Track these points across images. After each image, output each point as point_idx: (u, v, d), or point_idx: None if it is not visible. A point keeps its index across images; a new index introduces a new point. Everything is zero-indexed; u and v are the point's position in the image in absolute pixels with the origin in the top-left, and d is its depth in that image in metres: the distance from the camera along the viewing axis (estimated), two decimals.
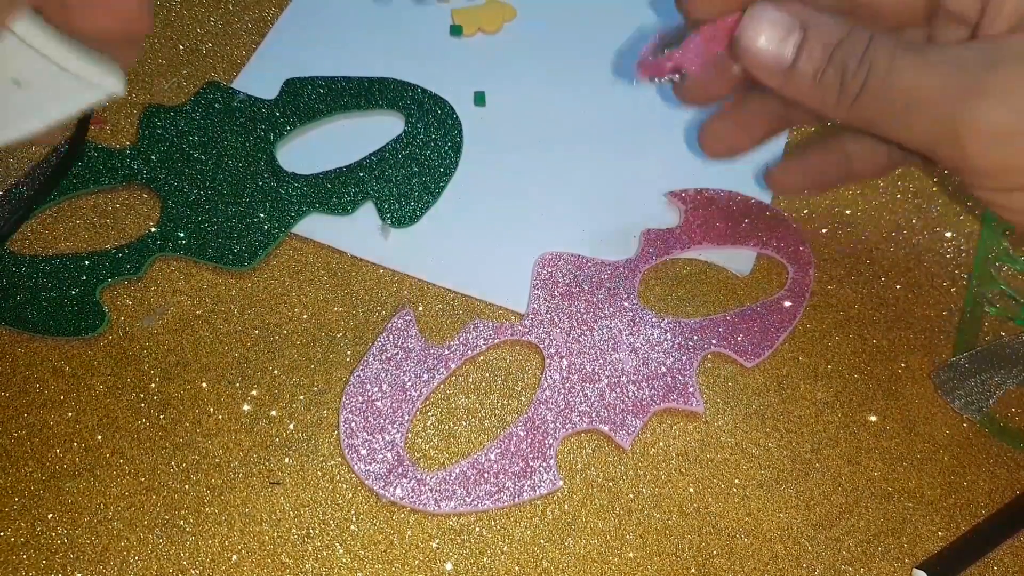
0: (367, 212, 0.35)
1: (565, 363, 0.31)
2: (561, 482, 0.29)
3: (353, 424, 0.30)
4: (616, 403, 0.30)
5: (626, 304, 0.32)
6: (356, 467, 0.29)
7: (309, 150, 0.37)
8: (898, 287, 0.34)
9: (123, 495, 0.29)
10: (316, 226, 0.35)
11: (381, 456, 0.29)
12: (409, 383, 0.31)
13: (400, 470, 0.29)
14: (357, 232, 0.35)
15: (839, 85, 0.22)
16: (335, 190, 0.35)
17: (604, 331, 0.32)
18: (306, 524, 0.29)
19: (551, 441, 0.30)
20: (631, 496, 0.30)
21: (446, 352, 0.32)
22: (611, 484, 0.30)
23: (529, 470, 0.29)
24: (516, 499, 0.29)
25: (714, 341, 0.32)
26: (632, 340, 0.32)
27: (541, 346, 0.32)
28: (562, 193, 0.36)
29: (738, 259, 0.34)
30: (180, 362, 0.32)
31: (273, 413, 0.31)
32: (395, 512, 0.29)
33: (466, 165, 0.37)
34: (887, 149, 0.29)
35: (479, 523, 0.29)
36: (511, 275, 0.34)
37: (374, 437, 0.30)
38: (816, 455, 0.31)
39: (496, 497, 0.29)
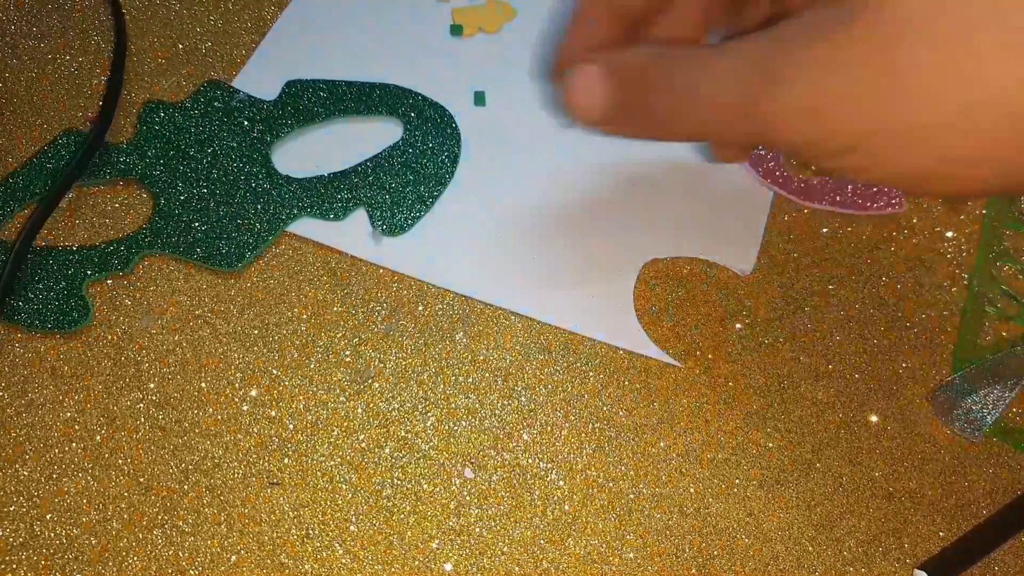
0: (364, 215, 0.35)
1: None
2: None
3: None
4: None
5: None
6: None
7: (305, 153, 0.37)
8: (898, 287, 0.34)
9: (123, 495, 0.29)
10: (315, 226, 0.35)
11: None
12: None
13: None
14: (356, 233, 0.35)
15: (645, 111, 0.24)
16: (328, 195, 0.35)
17: None
18: (306, 524, 0.29)
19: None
20: (631, 496, 0.29)
21: None
22: (611, 484, 0.30)
23: None
24: None
25: None
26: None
27: None
28: (563, 192, 0.36)
29: (740, 257, 0.34)
30: (180, 362, 0.32)
31: (273, 413, 0.31)
32: (395, 512, 0.29)
33: (466, 165, 0.36)
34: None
35: (479, 523, 0.29)
36: (511, 275, 0.34)
37: None
38: (817, 455, 0.30)
39: None
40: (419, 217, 0.35)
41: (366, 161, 0.36)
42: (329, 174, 0.36)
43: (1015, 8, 0.19)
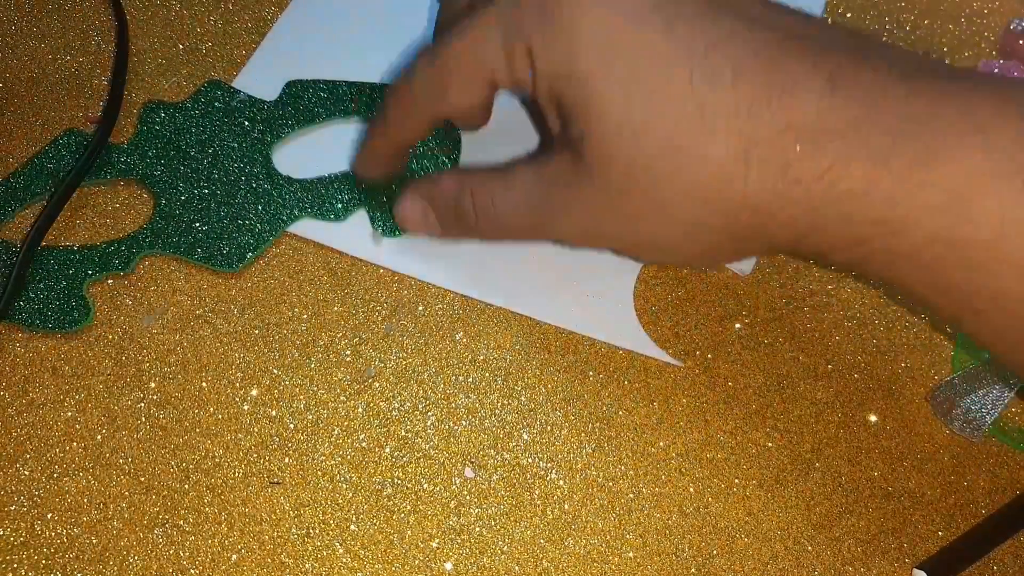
0: (364, 215, 0.35)
1: None
2: None
3: None
4: None
5: None
6: None
7: (305, 153, 0.37)
8: None
9: (123, 495, 0.29)
10: (315, 227, 0.35)
11: None
12: None
13: None
14: (356, 233, 0.35)
15: (465, 228, 0.30)
16: (328, 196, 0.35)
17: None
18: (306, 524, 0.29)
19: None
20: (631, 496, 0.30)
21: None
22: (611, 484, 0.30)
23: None
24: None
25: None
26: None
27: None
28: None
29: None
30: (180, 362, 0.32)
31: (273, 413, 0.31)
32: (395, 512, 0.29)
33: (466, 165, 0.36)
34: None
35: (479, 523, 0.29)
36: (511, 275, 0.34)
37: None
38: (816, 455, 0.31)
39: None
40: None
41: None
42: (329, 174, 0.36)
43: (692, 172, 0.24)
